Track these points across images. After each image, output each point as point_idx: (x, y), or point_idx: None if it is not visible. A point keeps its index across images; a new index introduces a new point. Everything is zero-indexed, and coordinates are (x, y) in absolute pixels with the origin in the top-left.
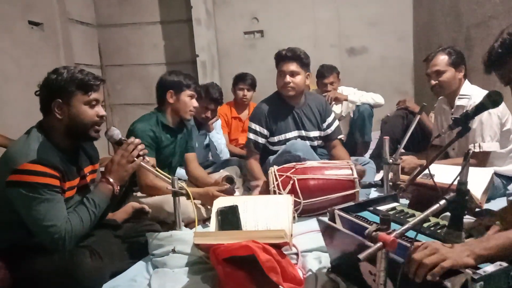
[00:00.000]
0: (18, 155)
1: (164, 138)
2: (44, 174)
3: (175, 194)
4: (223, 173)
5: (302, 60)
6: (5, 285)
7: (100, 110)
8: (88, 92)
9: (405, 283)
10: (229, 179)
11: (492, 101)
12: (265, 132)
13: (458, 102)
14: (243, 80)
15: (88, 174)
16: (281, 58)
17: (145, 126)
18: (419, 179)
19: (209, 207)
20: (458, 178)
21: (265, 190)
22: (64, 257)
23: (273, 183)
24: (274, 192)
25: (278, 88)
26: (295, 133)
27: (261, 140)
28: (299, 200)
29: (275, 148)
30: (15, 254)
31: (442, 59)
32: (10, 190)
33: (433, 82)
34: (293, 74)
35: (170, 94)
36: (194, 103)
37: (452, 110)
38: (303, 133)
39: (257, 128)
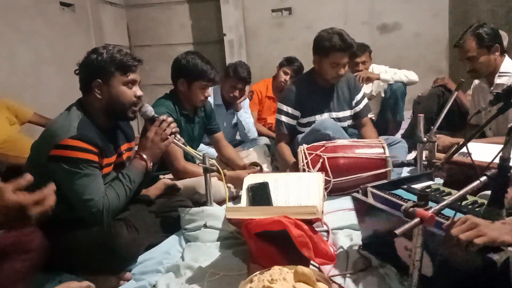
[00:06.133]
0: (59, 131)
1: (183, 124)
2: (84, 150)
3: (206, 171)
4: (251, 151)
5: (353, 50)
6: (42, 253)
7: (137, 90)
8: (127, 72)
9: (443, 258)
10: (254, 164)
11: None
12: (296, 113)
13: (498, 80)
14: (290, 63)
15: (124, 151)
16: (338, 49)
17: (164, 111)
18: (455, 157)
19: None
20: (500, 154)
21: (295, 169)
22: (103, 229)
23: (303, 162)
24: (304, 171)
25: (327, 76)
26: (325, 116)
27: (293, 122)
28: (329, 179)
29: (303, 129)
30: (57, 227)
31: (472, 44)
32: (52, 165)
33: (468, 68)
34: (345, 65)
35: (182, 82)
36: (207, 93)
37: (492, 88)
38: (333, 115)
39: (289, 110)
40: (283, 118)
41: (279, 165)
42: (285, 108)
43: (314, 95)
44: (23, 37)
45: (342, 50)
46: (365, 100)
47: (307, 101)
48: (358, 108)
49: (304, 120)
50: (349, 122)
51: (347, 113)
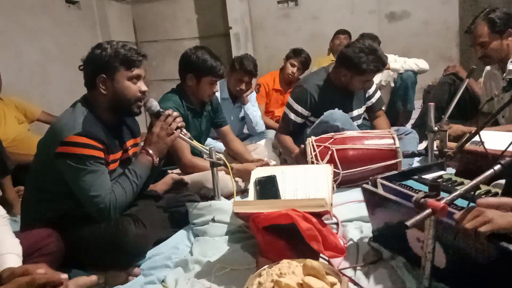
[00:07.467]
0: (64, 128)
1: (190, 118)
2: (90, 146)
3: (213, 165)
4: (259, 145)
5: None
6: (59, 255)
7: (142, 85)
8: (132, 67)
9: (457, 249)
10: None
11: None
12: (306, 113)
13: (510, 66)
14: (297, 55)
15: (130, 147)
16: (375, 72)
17: (171, 105)
18: (467, 146)
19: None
20: None
21: (302, 161)
22: (110, 225)
23: (311, 154)
24: (312, 163)
25: (353, 88)
26: None
27: (300, 121)
28: (338, 171)
29: None
30: (65, 223)
31: (484, 29)
32: (59, 162)
33: (479, 54)
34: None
35: (190, 77)
36: (215, 88)
37: (504, 74)
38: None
39: (299, 109)
40: (292, 116)
41: (287, 157)
42: (295, 106)
43: (331, 96)
44: (30, 35)
45: (378, 71)
46: (378, 93)
47: (323, 102)
48: (370, 103)
49: (317, 120)
50: (363, 116)
51: (361, 110)
